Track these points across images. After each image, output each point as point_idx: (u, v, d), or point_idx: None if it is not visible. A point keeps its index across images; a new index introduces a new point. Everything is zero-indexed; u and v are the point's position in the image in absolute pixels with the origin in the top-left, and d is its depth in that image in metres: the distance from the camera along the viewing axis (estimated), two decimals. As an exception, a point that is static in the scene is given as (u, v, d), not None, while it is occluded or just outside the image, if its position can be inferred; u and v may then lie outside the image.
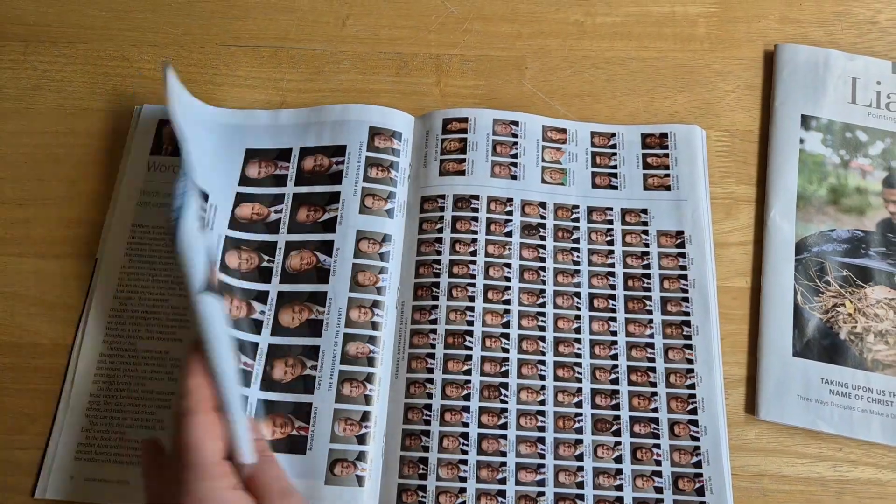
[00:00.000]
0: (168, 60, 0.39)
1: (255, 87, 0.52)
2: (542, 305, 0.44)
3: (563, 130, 0.49)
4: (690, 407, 0.41)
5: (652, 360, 0.43)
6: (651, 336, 0.43)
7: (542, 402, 0.41)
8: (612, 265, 0.45)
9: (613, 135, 0.49)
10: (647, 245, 0.46)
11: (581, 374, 0.43)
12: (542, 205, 0.47)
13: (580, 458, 0.40)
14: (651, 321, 0.44)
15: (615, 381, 0.42)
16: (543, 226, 0.46)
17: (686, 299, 0.44)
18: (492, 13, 0.55)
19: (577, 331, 0.44)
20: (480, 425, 0.41)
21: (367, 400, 0.40)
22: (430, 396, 0.41)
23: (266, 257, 0.43)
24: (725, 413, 0.42)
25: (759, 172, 0.49)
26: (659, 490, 0.40)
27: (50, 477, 0.41)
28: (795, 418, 0.42)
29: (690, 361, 0.43)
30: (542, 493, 0.39)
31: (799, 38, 0.53)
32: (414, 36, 0.54)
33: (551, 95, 0.52)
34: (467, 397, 0.41)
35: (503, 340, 0.43)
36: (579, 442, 0.41)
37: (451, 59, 0.53)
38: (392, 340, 0.42)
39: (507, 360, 0.42)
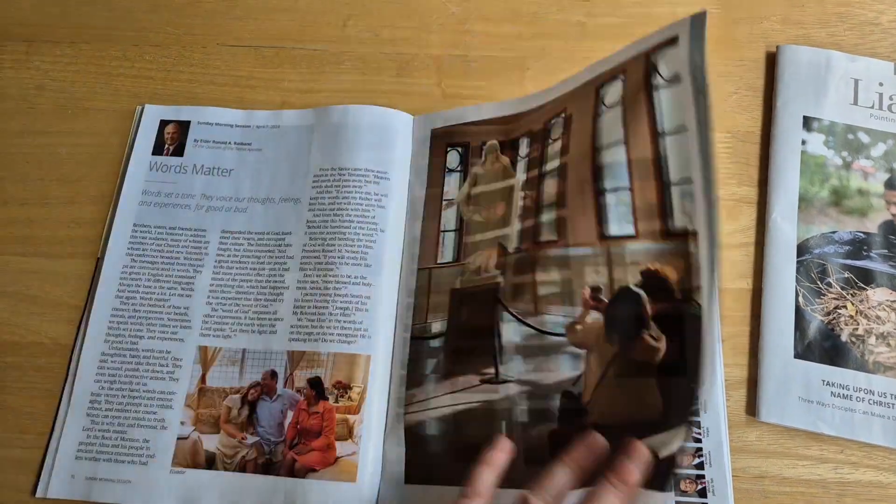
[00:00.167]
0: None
1: (256, 88, 0.52)
2: None
3: None
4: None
5: None
6: None
7: None
8: None
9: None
10: None
11: None
12: None
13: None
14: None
15: None
16: None
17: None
18: (493, 14, 0.55)
19: None
20: None
21: None
22: None
23: None
24: (727, 415, 0.42)
25: (760, 174, 0.49)
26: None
27: (51, 476, 0.41)
28: (796, 420, 0.42)
29: None
30: None
31: (801, 40, 0.52)
32: (415, 36, 0.54)
33: (552, 96, 0.51)
34: None
35: None
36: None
37: (452, 59, 0.53)
38: None
39: None
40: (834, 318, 0.44)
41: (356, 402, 0.41)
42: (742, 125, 0.50)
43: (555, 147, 0.41)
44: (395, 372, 0.43)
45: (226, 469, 0.40)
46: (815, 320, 0.44)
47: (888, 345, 0.43)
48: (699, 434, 0.41)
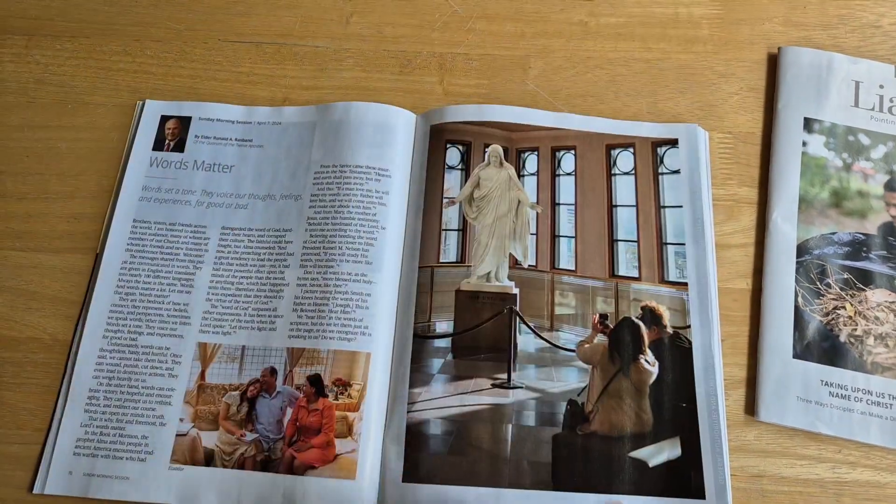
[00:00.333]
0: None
1: (258, 84, 0.52)
2: None
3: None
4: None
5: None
6: None
7: None
8: None
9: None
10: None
11: None
12: None
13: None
14: None
15: None
16: None
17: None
18: (496, 12, 0.55)
19: None
20: None
21: None
22: None
23: None
24: (725, 414, 0.42)
25: (761, 175, 0.49)
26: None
27: (49, 472, 0.40)
28: (795, 420, 0.42)
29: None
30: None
31: (802, 41, 0.53)
32: (417, 34, 0.54)
33: (554, 95, 0.52)
34: None
35: None
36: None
37: (454, 57, 0.53)
38: None
39: None
40: (833, 319, 0.44)
41: (356, 400, 0.41)
42: (743, 126, 0.50)
43: (567, 181, 0.48)
44: (395, 370, 0.43)
45: (224, 466, 0.40)
46: (815, 321, 0.44)
47: (886, 345, 0.43)
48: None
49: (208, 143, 0.50)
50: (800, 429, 0.42)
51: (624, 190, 0.48)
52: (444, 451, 0.40)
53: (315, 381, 0.42)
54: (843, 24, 0.53)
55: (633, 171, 0.48)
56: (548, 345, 0.44)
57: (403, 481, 0.40)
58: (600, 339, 0.43)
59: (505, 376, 0.43)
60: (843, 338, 0.43)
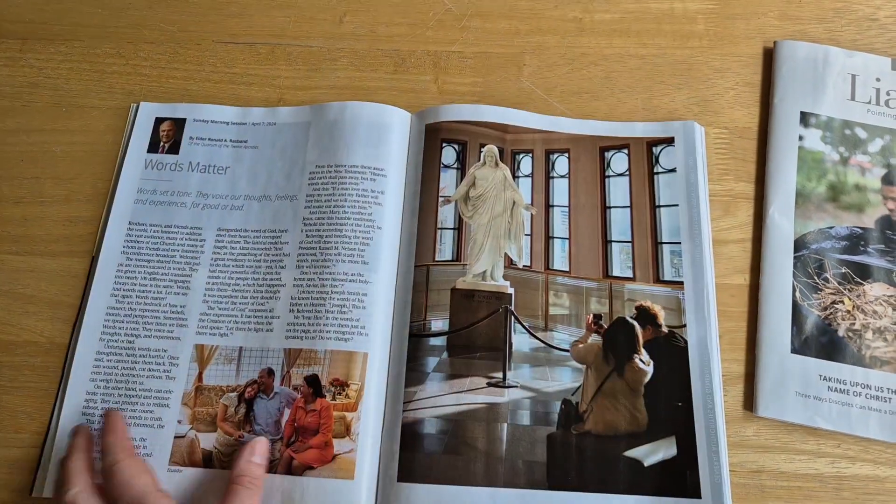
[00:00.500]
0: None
1: (252, 85, 0.52)
2: None
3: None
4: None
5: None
6: None
7: None
8: None
9: None
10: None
11: None
12: None
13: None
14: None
15: None
16: None
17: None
18: (490, 10, 0.54)
19: None
20: None
21: None
22: None
23: None
24: (724, 410, 0.42)
25: (757, 170, 0.49)
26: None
27: (48, 475, 0.40)
28: (794, 415, 0.42)
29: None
30: None
31: (798, 35, 0.52)
32: (412, 33, 0.54)
33: (549, 92, 0.51)
34: None
35: None
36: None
37: (448, 55, 0.53)
38: None
39: None
40: (831, 313, 0.44)
41: (353, 400, 0.41)
42: (739, 121, 0.50)
43: (561, 183, 0.48)
44: (392, 369, 0.43)
45: (223, 467, 0.40)
46: (813, 315, 0.44)
47: (885, 339, 0.43)
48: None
49: (203, 144, 0.50)
50: (799, 424, 0.42)
51: (618, 191, 0.48)
52: (439, 451, 0.40)
53: (312, 381, 0.42)
54: (838, 18, 0.53)
55: (627, 172, 0.48)
56: (542, 344, 0.44)
57: (399, 481, 0.40)
58: (594, 338, 0.43)
59: (500, 375, 0.43)
60: (841, 332, 0.43)
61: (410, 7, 0.54)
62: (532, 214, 0.48)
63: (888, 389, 0.42)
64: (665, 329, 0.43)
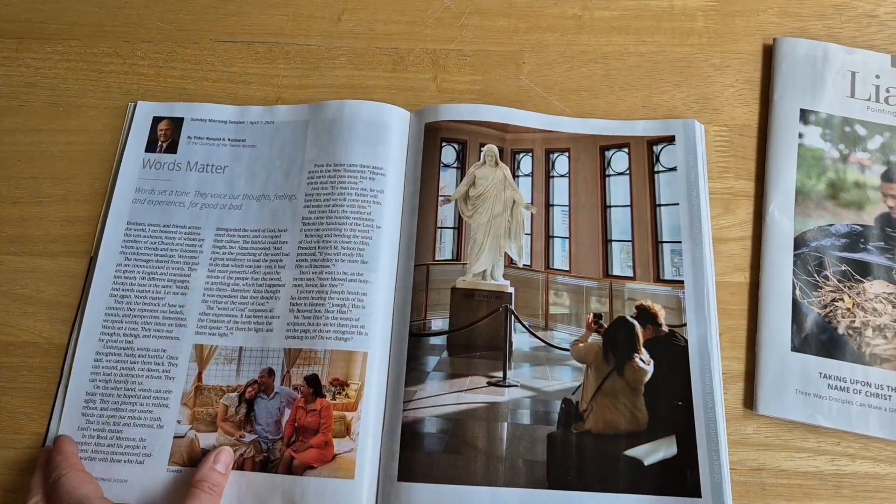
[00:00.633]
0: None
1: (251, 84, 0.52)
2: None
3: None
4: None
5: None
6: None
7: None
8: None
9: None
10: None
11: None
12: None
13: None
14: None
15: None
16: None
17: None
18: (488, 8, 0.54)
19: None
20: None
21: None
22: None
23: None
24: (724, 408, 0.42)
25: (757, 167, 0.49)
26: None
27: (47, 476, 0.40)
28: (794, 413, 0.42)
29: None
30: None
31: (798, 32, 0.52)
32: (410, 31, 0.53)
33: (549, 90, 0.51)
34: None
35: None
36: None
37: (447, 54, 0.53)
38: None
39: None
40: (831, 311, 0.44)
41: (353, 399, 0.41)
42: (739, 118, 0.50)
43: (561, 183, 0.48)
44: (392, 368, 0.43)
45: (223, 467, 0.40)
46: (812, 313, 0.44)
47: (885, 337, 0.43)
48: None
49: (201, 143, 0.49)
50: (799, 421, 0.42)
51: (618, 190, 0.48)
52: (439, 450, 0.40)
53: (312, 381, 0.42)
54: (838, 14, 0.53)
55: (627, 171, 0.48)
56: (542, 344, 0.44)
57: (399, 480, 0.40)
58: (595, 338, 0.43)
59: (500, 374, 0.43)
60: (841, 330, 0.43)
61: (409, 5, 0.54)
62: (532, 214, 0.48)
63: (888, 387, 0.42)
64: (665, 328, 0.43)
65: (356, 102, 0.49)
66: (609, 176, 0.48)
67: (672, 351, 0.43)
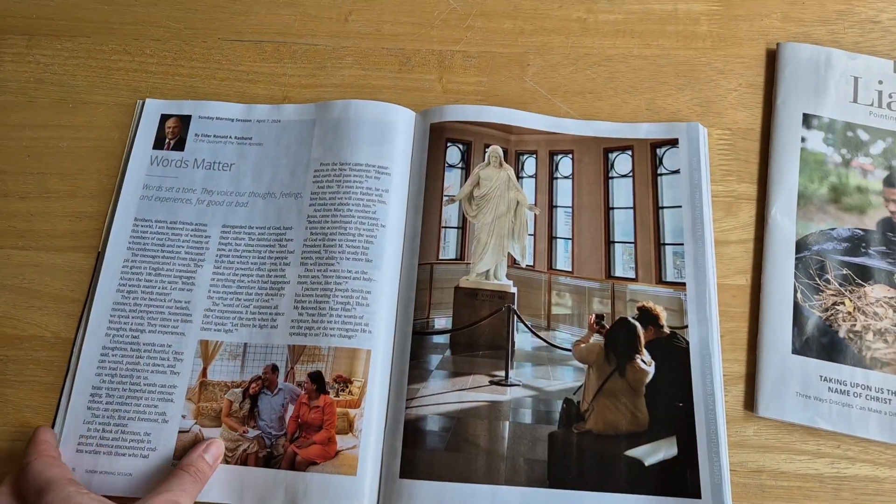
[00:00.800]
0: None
1: (258, 83, 0.52)
2: None
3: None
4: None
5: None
6: None
7: None
8: None
9: None
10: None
11: None
12: None
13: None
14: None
15: None
16: None
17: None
18: (494, 9, 0.55)
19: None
20: None
21: None
22: None
23: None
24: (724, 410, 0.42)
25: (760, 171, 0.49)
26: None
27: (52, 469, 0.41)
28: (794, 415, 0.42)
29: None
30: None
31: (801, 37, 0.53)
32: (416, 32, 0.54)
33: (553, 92, 0.52)
34: None
35: None
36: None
37: (453, 55, 0.53)
38: None
39: None
40: (832, 315, 0.44)
41: (357, 397, 0.42)
42: (742, 122, 0.50)
43: (565, 184, 0.49)
44: (395, 366, 0.43)
45: (227, 462, 0.41)
46: (814, 316, 0.44)
47: (885, 341, 0.43)
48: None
49: (208, 141, 0.50)
50: (799, 424, 0.42)
51: (621, 192, 0.48)
52: (441, 448, 0.41)
53: (316, 377, 0.42)
54: (841, 20, 0.53)
55: (630, 174, 0.48)
56: (544, 344, 0.44)
57: (401, 477, 0.40)
58: (596, 338, 0.44)
59: (502, 373, 0.44)
60: (842, 333, 0.43)
61: (415, 6, 0.55)
62: (535, 214, 0.48)
63: (888, 391, 0.42)
64: (667, 330, 0.44)
65: (362, 102, 0.49)
66: (612, 178, 0.49)
67: (673, 352, 0.43)
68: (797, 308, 0.44)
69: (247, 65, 0.53)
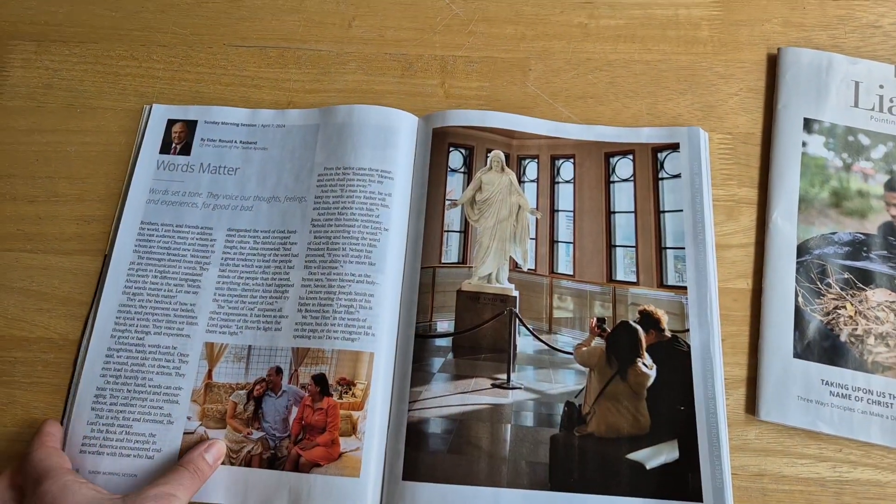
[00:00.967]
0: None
1: (262, 88, 0.53)
2: None
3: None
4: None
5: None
6: None
7: None
8: None
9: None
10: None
11: None
12: None
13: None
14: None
15: None
16: None
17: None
18: (496, 15, 0.55)
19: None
20: None
21: None
22: None
23: None
24: (726, 413, 0.42)
25: (761, 175, 0.49)
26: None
27: (59, 469, 0.41)
28: (795, 419, 0.42)
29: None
30: None
31: (802, 42, 0.53)
32: (419, 37, 0.54)
33: (555, 97, 0.52)
34: None
35: None
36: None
37: (455, 60, 0.53)
38: None
39: None
40: (833, 319, 0.44)
41: (360, 399, 0.42)
42: (743, 126, 0.51)
43: (566, 189, 0.49)
44: (398, 369, 0.44)
45: (231, 464, 0.41)
46: (815, 320, 0.44)
47: (887, 345, 0.44)
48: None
49: (214, 145, 0.50)
50: (800, 428, 0.42)
51: (622, 196, 0.48)
52: (443, 450, 0.41)
53: (320, 380, 0.43)
54: (842, 25, 0.53)
55: (631, 178, 0.49)
56: (546, 347, 0.45)
57: (403, 479, 0.40)
58: (598, 342, 0.44)
59: (504, 377, 0.44)
60: (843, 337, 0.44)
61: (418, 12, 0.55)
62: (537, 218, 0.48)
63: (890, 395, 0.42)
64: (668, 333, 0.44)
65: (366, 107, 0.50)
66: (613, 182, 0.49)
67: (675, 356, 0.43)
68: (798, 312, 0.44)
69: (252, 70, 0.54)
